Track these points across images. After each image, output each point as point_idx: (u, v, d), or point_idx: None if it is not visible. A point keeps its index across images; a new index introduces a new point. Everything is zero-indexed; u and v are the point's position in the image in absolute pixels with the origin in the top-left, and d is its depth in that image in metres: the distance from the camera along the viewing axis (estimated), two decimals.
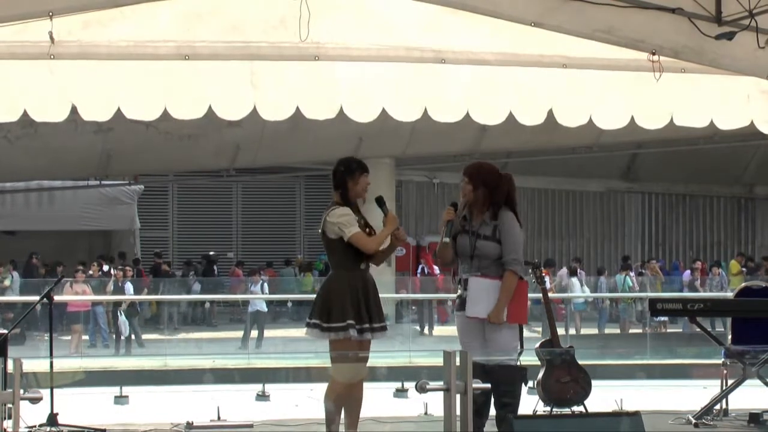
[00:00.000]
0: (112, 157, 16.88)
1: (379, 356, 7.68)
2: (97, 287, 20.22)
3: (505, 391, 7.10)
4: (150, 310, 21.68)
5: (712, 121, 9.01)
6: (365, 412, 7.32)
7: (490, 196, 7.24)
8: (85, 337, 19.61)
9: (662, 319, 20.08)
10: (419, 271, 25.09)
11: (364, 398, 7.26)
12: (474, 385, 4.54)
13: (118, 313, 19.36)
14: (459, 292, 7.34)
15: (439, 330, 21.80)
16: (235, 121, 10.34)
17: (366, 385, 7.27)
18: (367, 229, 7.18)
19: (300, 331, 7.82)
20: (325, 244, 7.28)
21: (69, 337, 19.06)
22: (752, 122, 9.10)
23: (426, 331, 22.11)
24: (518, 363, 7.35)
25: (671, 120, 8.91)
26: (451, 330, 19.34)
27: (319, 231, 7.27)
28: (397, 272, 23.69)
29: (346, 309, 7.03)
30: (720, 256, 29.52)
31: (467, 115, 8.59)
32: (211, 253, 27.12)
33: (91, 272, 21.37)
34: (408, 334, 19.31)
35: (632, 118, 8.86)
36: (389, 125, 9.65)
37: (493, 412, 7.22)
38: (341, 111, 8.37)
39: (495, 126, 9.02)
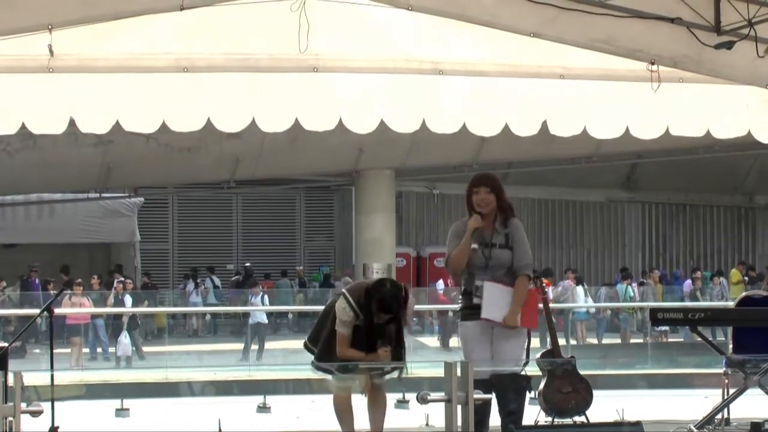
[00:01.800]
0: (112, 170, 16.89)
1: None
2: (97, 300, 20.18)
3: (510, 398, 7.11)
4: (156, 323, 21.56)
5: (710, 131, 9.00)
6: (365, 424, 7.30)
7: (503, 205, 7.23)
8: (86, 350, 19.57)
9: (663, 328, 20.04)
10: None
11: (362, 409, 7.24)
12: (475, 396, 4.53)
13: (123, 336, 19.17)
14: (462, 303, 7.31)
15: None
16: (234, 133, 10.34)
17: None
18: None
19: (300, 343, 7.82)
20: None
21: (69, 350, 19.01)
22: (751, 131, 9.09)
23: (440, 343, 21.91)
24: (524, 372, 7.36)
25: (668, 129, 8.90)
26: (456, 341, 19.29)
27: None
28: None
29: None
30: (720, 266, 29.47)
31: (464, 127, 8.59)
32: (247, 264, 27.12)
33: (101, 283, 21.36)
34: (409, 345, 19.19)
35: (627, 129, 8.84)
36: (388, 136, 9.65)
37: (496, 422, 7.21)
38: (340, 122, 8.37)
39: (494, 137, 9.02)
